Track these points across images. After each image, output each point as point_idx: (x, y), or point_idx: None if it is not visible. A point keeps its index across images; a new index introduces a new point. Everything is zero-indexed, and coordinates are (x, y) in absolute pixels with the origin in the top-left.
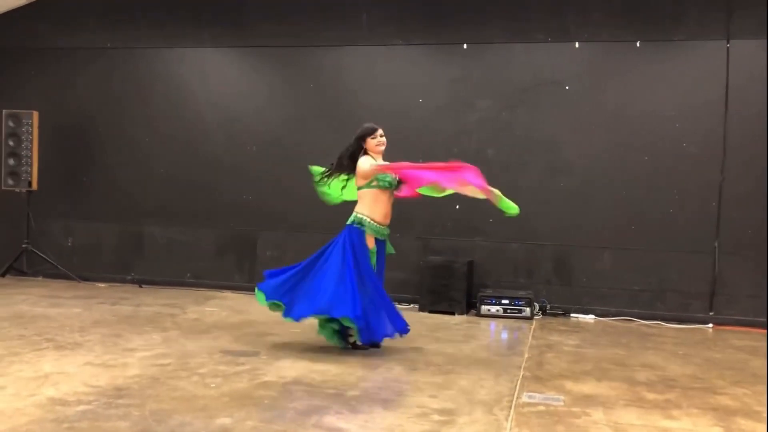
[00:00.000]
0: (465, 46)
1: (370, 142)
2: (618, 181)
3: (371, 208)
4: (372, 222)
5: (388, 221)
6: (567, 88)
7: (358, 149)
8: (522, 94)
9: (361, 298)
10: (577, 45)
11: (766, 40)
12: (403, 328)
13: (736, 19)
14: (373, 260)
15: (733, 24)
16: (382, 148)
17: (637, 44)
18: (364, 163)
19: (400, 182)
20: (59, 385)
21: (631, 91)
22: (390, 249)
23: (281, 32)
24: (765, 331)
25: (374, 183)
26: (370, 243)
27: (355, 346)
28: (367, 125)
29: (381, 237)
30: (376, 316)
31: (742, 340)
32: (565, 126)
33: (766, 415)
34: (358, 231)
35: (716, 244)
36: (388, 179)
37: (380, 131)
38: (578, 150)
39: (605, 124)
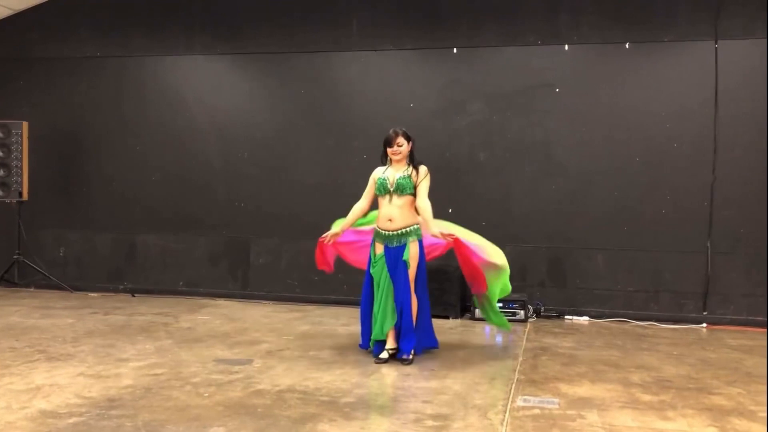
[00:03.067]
0: (455, 50)
1: (388, 150)
2: (610, 183)
3: (377, 213)
4: (376, 227)
5: (389, 225)
6: (557, 90)
7: (383, 156)
8: (513, 97)
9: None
10: (566, 47)
11: (766, 41)
12: (364, 344)
13: (723, 20)
14: (378, 266)
15: (720, 25)
16: (396, 157)
17: (627, 46)
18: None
19: (400, 186)
20: (51, 397)
21: (621, 93)
22: (406, 255)
23: (272, 38)
24: (759, 329)
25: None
26: (377, 249)
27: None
28: (387, 134)
29: (390, 244)
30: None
31: (737, 339)
32: (557, 128)
33: (766, 414)
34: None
35: (709, 244)
36: (379, 183)
37: (398, 141)
38: (570, 152)
39: (596, 126)
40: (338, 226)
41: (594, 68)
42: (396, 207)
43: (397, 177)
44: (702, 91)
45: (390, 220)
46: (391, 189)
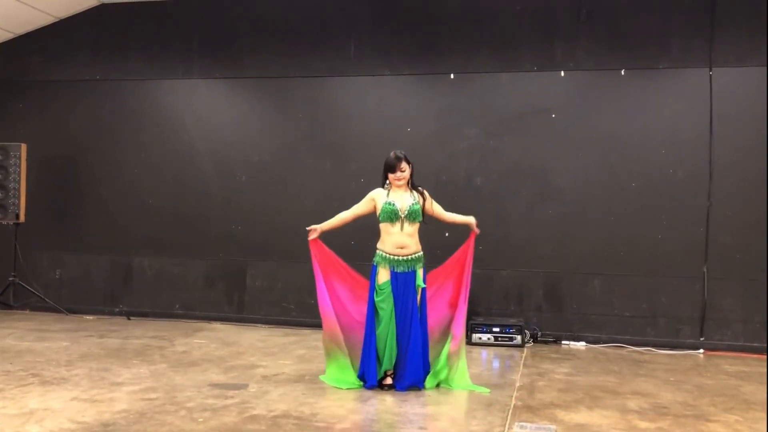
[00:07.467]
0: (452, 76)
1: (390, 176)
2: (606, 208)
3: (382, 239)
4: (381, 252)
5: (400, 252)
6: (553, 116)
7: (383, 181)
8: (509, 122)
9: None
10: (562, 74)
11: (766, 65)
12: (367, 380)
13: (717, 47)
14: (384, 294)
15: (715, 52)
16: (399, 183)
17: (622, 72)
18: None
19: (414, 213)
20: (44, 421)
21: (617, 119)
22: (419, 282)
23: (270, 63)
24: (756, 355)
25: (379, 216)
26: (382, 277)
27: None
28: (389, 159)
29: (397, 268)
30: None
31: (734, 365)
32: (553, 153)
33: None
34: (372, 267)
35: (705, 269)
36: (387, 210)
37: (401, 166)
38: (566, 177)
39: (593, 151)
40: (318, 229)
41: (589, 94)
42: (407, 235)
43: (410, 204)
44: (697, 117)
45: (401, 247)
46: (403, 216)
